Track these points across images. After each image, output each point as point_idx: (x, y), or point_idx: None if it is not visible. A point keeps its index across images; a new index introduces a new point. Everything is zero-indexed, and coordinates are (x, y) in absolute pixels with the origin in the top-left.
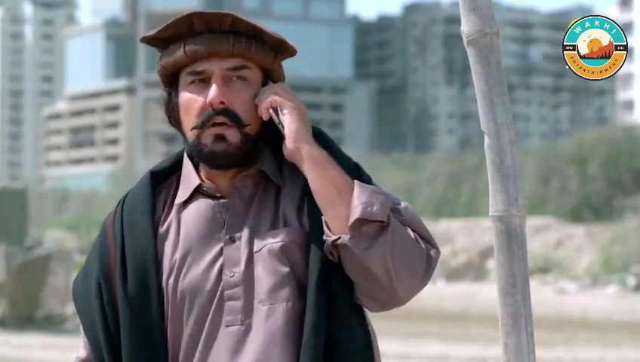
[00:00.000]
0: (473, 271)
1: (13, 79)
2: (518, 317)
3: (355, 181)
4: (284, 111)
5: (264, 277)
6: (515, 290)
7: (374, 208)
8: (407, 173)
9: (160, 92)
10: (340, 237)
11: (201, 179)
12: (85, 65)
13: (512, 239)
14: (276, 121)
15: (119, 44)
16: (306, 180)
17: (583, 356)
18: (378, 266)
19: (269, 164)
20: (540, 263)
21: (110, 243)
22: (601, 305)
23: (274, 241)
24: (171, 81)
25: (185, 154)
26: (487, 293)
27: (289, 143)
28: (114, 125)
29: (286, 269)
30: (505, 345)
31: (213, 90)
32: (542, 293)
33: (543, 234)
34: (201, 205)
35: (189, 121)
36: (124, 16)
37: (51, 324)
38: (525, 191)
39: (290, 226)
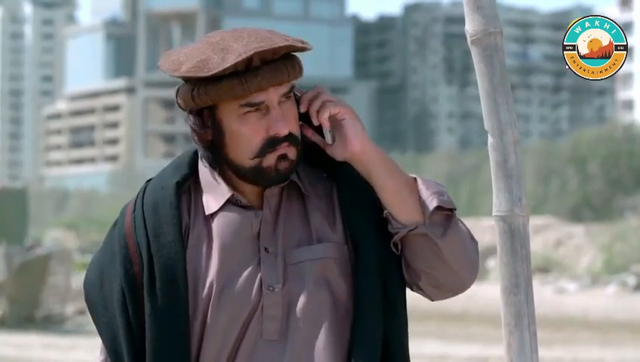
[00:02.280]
0: None
1: (13, 79)
2: (521, 317)
3: (412, 174)
4: (345, 117)
5: (303, 293)
6: (518, 290)
7: (445, 196)
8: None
9: (187, 116)
10: (416, 227)
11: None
12: (85, 65)
13: (515, 239)
14: (328, 128)
15: (119, 43)
16: (328, 191)
17: (583, 356)
18: (452, 252)
19: (294, 174)
20: (540, 263)
21: (133, 255)
22: (601, 304)
23: (312, 257)
24: (202, 107)
25: (201, 161)
26: (488, 293)
27: (356, 147)
28: (114, 125)
29: (324, 285)
30: (508, 345)
31: (279, 122)
32: (542, 293)
33: (543, 234)
34: (234, 216)
35: (246, 149)
36: (124, 15)
37: (51, 324)
38: (525, 190)
39: (327, 241)
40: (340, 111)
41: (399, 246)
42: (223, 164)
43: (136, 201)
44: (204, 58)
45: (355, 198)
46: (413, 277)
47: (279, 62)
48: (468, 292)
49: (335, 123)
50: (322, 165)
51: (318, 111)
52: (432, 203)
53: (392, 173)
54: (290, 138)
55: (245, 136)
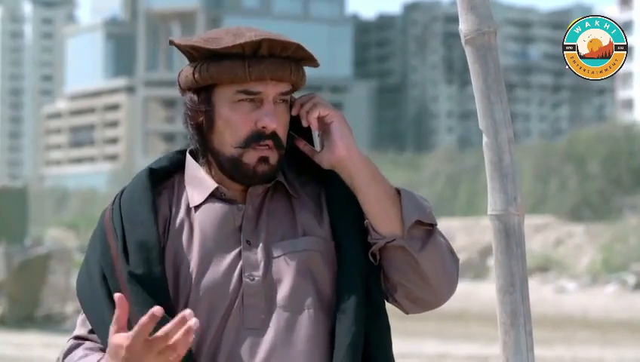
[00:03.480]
0: (473, 269)
1: (13, 78)
2: (517, 316)
3: (397, 186)
4: (333, 120)
5: (285, 283)
6: (514, 289)
7: (427, 211)
8: (406, 172)
9: (185, 96)
10: (394, 239)
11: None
12: (85, 64)
13: (510, 238)
14: (318, 131)
15: (119, 43)
16: (317, 193)
17: (583, 355)
18: (430, 266)
19: (280, 175)
20: (540, 262)
21: (111, 240)
22: (600, 303)
23: (296, 249)
24: (199, 87)
25: (189, 157)
26: (487, 292)
27: (342, 151)
28: (114, 124)
29: (307, 276)
30: (503, 344)
31: (269, 116)
32: (542, 292)
33: (542, 233)
34: (217, 208)
35: (232, 137)
36: (123, 15)
37: (51, 323)
38: (525, 189)
39: (312, 236)
40: (329, 113)
41: (377, 257)
42: (207, 153)
43: (116, 197)
44: (217, 36)
45: (342, 202)
46: (390, 289)
47: (285, 59)
48: (467, 291)
49: (324, 127)
50: (313, 171)
51: (308, 112)
52: (412, 216)
53: (375, 181)
54: (274, 138)
55: (234, 123)
